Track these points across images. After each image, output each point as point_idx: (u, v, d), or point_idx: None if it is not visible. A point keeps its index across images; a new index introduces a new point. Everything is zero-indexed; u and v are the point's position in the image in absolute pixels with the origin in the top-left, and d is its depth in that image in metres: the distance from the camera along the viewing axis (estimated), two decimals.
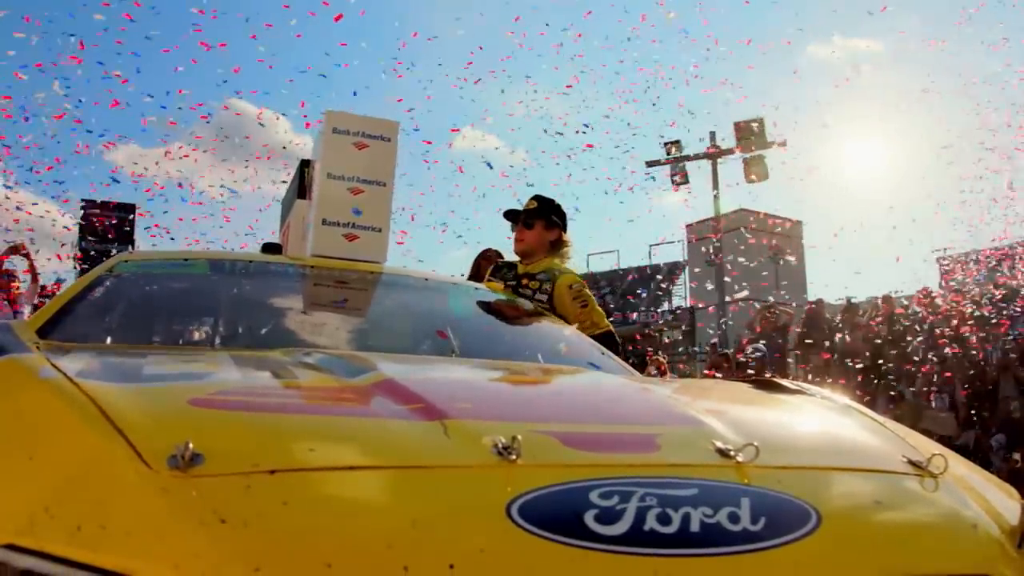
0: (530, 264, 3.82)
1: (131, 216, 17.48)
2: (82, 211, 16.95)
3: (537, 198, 3.92)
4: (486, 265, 4.23)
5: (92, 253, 16.14)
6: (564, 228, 3.91)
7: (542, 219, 3.81)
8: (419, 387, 1.38)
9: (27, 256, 7.24)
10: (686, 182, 19.91)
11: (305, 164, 3.70)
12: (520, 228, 3.84)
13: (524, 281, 3.77)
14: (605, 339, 3.49)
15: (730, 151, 19.40)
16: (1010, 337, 9.39)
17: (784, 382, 1.95)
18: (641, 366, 8.87)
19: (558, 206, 3.94)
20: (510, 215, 3.90)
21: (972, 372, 9.05)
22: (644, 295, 23.89)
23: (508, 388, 1.69)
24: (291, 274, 2.83)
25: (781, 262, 22.39)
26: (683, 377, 12.56)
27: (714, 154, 19.57)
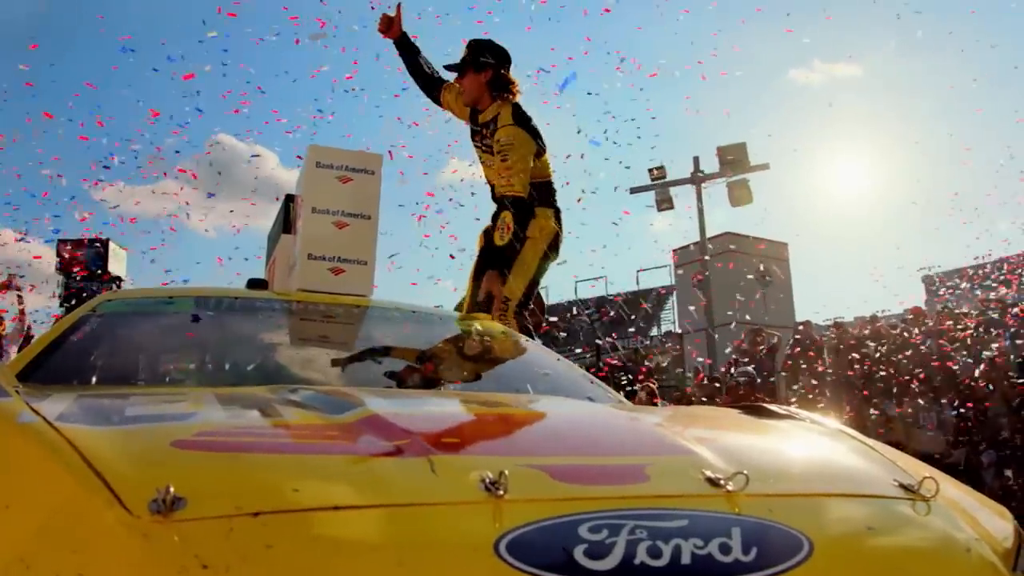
0: (484, 112, 4.00)
1: (104, 251, 17.42)
2: (57, 249, 16.92)
3: (468, 44, 4.05)
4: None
5: (73, 290, 16.09)
6: (501, 65, 4.01)
7: (470, 65, 3.98)
8: (405, 423, 1.36)
9: (18, 293, 7.10)
10: (671, 207, 20.03)
11: (290, 199, 3.70)
12: (457, 80, 4.06)
13: (484, 132, 4.00)
14: (517, 204, 3.75)
15: (714, 176, 19.54)
16: (994, 341, 9.45)
17: (773, 407, 1.94)
18: (632, 392, 8.85)
19: (488, 45, 4.04)
20: (451, 69, 4.07)
21: (961, 389, 9.07)
22: (633, 321, 23.92)
23: (496, 421, 1.67)
24: (277, 309, 2.82)
25: (768, 284, 22.49)
26: (675, 403, 12.54)
27: (698, 179, 19.71)
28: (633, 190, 20.05)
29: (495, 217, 3.99)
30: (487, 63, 3.96)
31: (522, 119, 3.92)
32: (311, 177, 3.20)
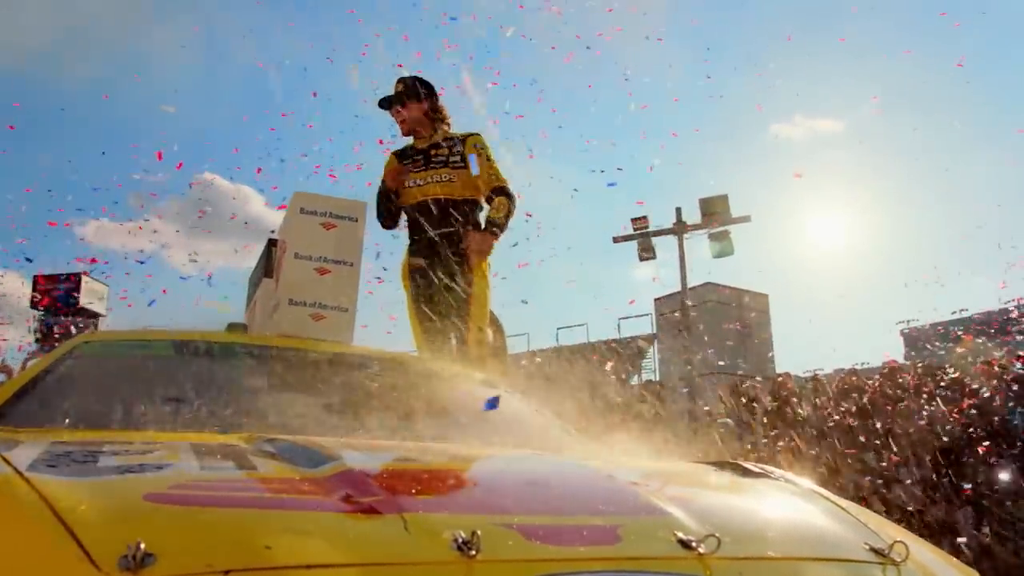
0: (425, 138, 4.45)
1: (77, 286, 17.33)
2: (32, 286, 16.86)
3: (400, 80, 4.50)
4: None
5: (49, 326, 15.99)
6: (434, 96, 4.50)
7: (411, 96, 4.42)
8: (381, 478, 1.36)
9: None
10: (653, 257, 20.19)
11: (272, 243, 3.70)
12: (396, 111, 4.46)
13: (432, 152, 4.39)
14: (509, 194, 4.25)
15: (696, 227, 19.76)
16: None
17: (748, 465, 1.95)
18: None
19: (421, 80, 4.50)
20: (383, 103, 4.48)
21: (939, 445, 9.10)
22: (613, 369, 23.91)
23: (471, 477, 1.67)
24: (256, 355, 2.80)
25: (748, 335, 22.62)
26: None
27: (680, 230, 19.92)
28: (616, 239, 20.24)
29: (413, 238, 4.43)
30: (427, 94, 4.46)
31: None
32: (294, 223, 3.22)
